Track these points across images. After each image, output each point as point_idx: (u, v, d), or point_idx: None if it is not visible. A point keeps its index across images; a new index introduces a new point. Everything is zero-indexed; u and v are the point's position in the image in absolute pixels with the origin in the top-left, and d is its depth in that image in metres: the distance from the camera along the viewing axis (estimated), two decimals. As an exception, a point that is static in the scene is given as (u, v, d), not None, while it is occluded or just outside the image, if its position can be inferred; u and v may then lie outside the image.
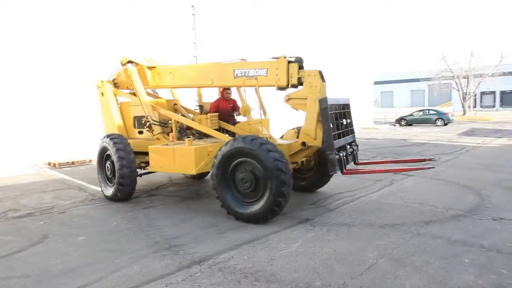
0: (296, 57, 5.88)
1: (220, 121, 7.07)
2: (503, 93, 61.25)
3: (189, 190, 7.68)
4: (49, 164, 11.51)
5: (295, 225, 5.09)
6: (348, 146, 6.15)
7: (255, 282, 3.48)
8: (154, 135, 7.01)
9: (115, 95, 7.70)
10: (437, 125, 26.58)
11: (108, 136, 6.94)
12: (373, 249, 4.18)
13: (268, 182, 5.05)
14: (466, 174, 8.27)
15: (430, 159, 6.90)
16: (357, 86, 23.67)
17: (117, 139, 6.73)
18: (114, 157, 6.59)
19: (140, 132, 7.45)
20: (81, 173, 10.04)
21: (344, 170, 5.68)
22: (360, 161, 6.73)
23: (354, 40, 24.26)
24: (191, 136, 6.87)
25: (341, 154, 5.57)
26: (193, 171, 6.07)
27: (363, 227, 4.96)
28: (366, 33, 25.80)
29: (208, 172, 7.57)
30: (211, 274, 3.68)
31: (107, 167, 6.96)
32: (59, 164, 11.30)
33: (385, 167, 7.06)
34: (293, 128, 6.68)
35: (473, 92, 39.29)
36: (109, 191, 6.84)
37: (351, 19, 24.28)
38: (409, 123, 28.07)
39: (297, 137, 6.14)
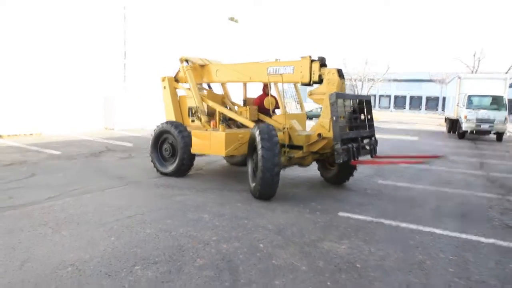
0: (319, 57, 6.42)
1: (259, 113, 7.89)
2: (396, 97, 71.62)
3: (123, 153, 10.87)
4: (-7, 135, 13.62)
5: (194, 175, 8.70)
6: (366, 140, 6.69)
7: (167, 187, 7.02)
8: (202, 123, 8.08)
9: (175, 88, 8.81)
10: (330, 120, 32.28)
11: (171, 123, 7.92)
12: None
13: (258, 163, 6.02)
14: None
15: (439, 156, 7.67)
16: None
17: (181, 126, 7.81)
18: (178, 140, 7.59)
19: (193, 121, 8.49)
20: (30, 142, 12.54)
21: (352, 161, 6.20)
22: (378, 155, 7.02)
23: (265, 38, 28.50)
24: (224, 123, 7.79)
25: (349, 145, 6.10)
26: (223, 153, 7.10)
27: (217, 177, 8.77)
28: (276, 33, 30.27)
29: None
30: (144, 185, 7.14)
31: (165, 148, 7.99)
32: (3, 136, 13.47)
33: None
34: None
35: (366, 94, 46.58)
36: (168, 168, 7.84)
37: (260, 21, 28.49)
38: (309, 117, 33.45)
39: None
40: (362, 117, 6.74)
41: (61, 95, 15.87)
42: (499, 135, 19.15)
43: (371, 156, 6.80)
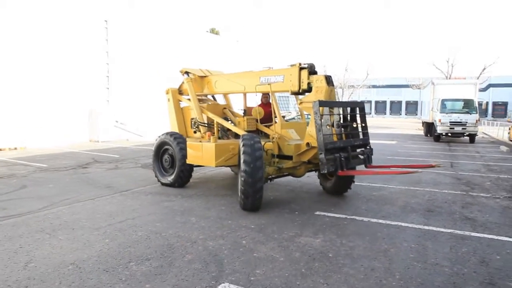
0: (308, 63, 6.24)
1: (257, 123, 7.68)
2: (377, 102, 73.31)
3: (110, 164, 11.17)
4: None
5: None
6: (358, 150, 6.43)
7: (155, 194, 7.40)
8: (201, 134, 8.13)
9: (179, 100, 8.93)
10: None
11: (170, 134, 8.05)
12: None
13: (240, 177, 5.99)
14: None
15: (436, 165, 6.87)
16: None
17: (179, 137, 7.92)
18: (176, 151, 7.72)
19: (195, 132, 8.54)
20: (15, 156, 12.70)
21: (339, 171, 5.92)
22: (372, 165, 6.76)
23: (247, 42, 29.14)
24: (222, 134, 7.91)
25: (336, 155, 5.86)
26: (213, 164, 6.99)
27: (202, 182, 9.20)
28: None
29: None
30: (132, 194, 7.51)
31: (165, 159, 8.12)
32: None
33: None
34: None
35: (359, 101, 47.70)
36: (168, 179, 7.99)
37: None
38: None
39: None
40: (355, 125, 6.54)
41: (45, 108, 16.04)
42: (472, 137, 20.11)
43: (365, 166, 6.56)
